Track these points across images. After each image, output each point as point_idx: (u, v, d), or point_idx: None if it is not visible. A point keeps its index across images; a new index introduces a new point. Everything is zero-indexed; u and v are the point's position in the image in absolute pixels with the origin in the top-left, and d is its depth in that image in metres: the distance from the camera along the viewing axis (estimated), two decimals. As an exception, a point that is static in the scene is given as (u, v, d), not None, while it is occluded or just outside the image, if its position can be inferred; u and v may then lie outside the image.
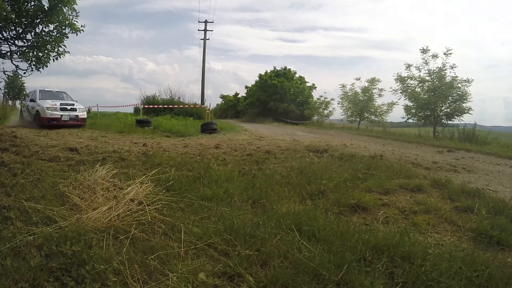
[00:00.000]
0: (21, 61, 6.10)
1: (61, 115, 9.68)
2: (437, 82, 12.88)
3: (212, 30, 28.68)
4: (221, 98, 37.41)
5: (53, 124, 9.41)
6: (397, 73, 14.38)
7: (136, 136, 8.26)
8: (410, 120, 14.29)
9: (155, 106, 17.42)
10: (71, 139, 6.42)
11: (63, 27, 5.97)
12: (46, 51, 5.98)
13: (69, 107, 10.12)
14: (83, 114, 10.43)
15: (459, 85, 12.41)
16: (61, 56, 6.23)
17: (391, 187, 3.22)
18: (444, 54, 12.73)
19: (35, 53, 5.97)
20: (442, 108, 12.99)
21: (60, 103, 10.03)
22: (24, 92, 8.13)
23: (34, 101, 10.10)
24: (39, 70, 6.17)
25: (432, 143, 9.36)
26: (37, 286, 1.52)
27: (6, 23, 5.35)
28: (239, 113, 30.73)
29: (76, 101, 11.01)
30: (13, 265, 1.62)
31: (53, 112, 9.60)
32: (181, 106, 17.64)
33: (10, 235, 1.92)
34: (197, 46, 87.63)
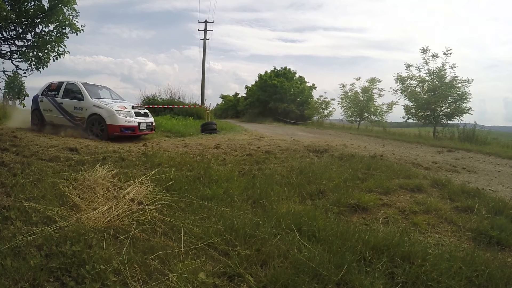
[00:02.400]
0: (21, 61, 6.11)
1: (139, 123, 7.30)
2: (437, 82, 12.88)
3: (212, 30, 28.72)
4: (221, 98, 37.47)
5: (127, 134, 7.05)
6: (397, 73, 14.38)
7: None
8: (410, 120, 14.29)
9: (155, 106, 17.43)
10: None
11: (63, 27, 5.97)
12: (46, 51, 5.98)
13: (142, 112, 7.81)
14: (153, 120, 8.16)
15: (459, 85, 12.40)
16: (61, 56, 6.24)
17: (391, 187, 3.22)
18: (444, 54, 12.74)
19: (35, 53, 5.98)
20: (442, 108, 12.98)
21: (132, 106, 7.66)
22: (24, 92, 7.25)
23: (81, 99, 7.32)
24: (39, 70, 6.18)
25: (432, 143, 9.35)
26: (37, 286, 1.52)
27: (6, 23, 5.35)
28: (239, 113, 30.76)
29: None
30: (13, 265, 1.62)
31: (128, 118, 7.11)
32: (181, 106, 17.62)
33: (10, 235, 1.92)
34: (197, 46, 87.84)
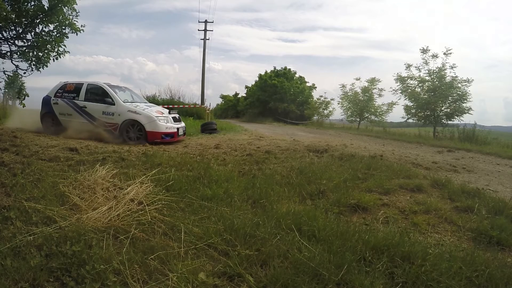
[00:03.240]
0: (21, 61, 6.11)
1: (178, 129, 7.06)
2: (437, 82, 12.88)
3: (212, 30, 28.73)
4: (221, 98, 37.48)
5: (166, 141, 6.70)
6: (397, 73, 14.40)
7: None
8: (410, 120, 14.30)
9: (155, 106, 17.37)
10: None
11: (63, 27, 5.98)
12: (46, 51, 5.99)
13: (177, 116, 7.47)
14: (184, 124, 7.86)
15: (459, 85, 12.41)
16: (61, 56, 6.25)
17: (391, 187, 3.22)
18: (444, 54, 12.75)
19: (35, 53, 5.99)
20: (442, 108, 12.99)
21: (168, 111, 7.36)
22: (24, 92, 6.85)
23: (111, 103, 6.76)
24: (39, 70, 6.19)
25: (432, 143, 9.35)
26: (37, 286, 1.52)
27: (6, 23, 5.36)
28: (239, 113, 30.77)
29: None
30: (13, 265, 1.62)
31: (168, 124, 6.82)
32: (181, 106, 17.62)
33: (10, 235, 1.92)
34: (197, 46, 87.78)
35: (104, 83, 7.21)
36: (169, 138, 6.78)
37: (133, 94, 8.00)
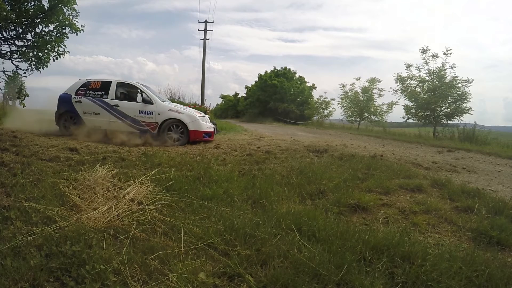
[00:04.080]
0: (21, 61, 6.11)
1: (214, 128, 7.28)
2: (437, 82, 12.90)
3: (212, 30, 28.72)
4: (221, 98, 37.49)
5: (206, 139, 6.80)
6: (397, 73, 14.43)
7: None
8: (410, 120, 14.33)
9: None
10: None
11: (63, 27, 5.98)
12: (46, 51, 5.99)
13: (207, 117, 7.52)
14: None
15: (459, 85, 12.44)
16: (61, 56, 6.25)
17: (391, 187, 3.22)
18: (444, 54, 12.77)
19: (35, 53, 5.98)
20: (442, 108, 13.01)
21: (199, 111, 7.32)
22: (24, 92, 6.63)
23: (148, 102, 6.67)
24: (39, 70, 6.18)
25: (432, 143, 9.35)
26: (37, 286, 1.52)
27: (6, 23, 5.36)
28: (239, 113, 30.78)
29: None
30: (13, 265, 1.62)
31: (208, 124, 6.99)
32: (181, 106, 17.58)
33: (10, 235, 1.92)
34: (197, 46, 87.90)
35: (138, 82, 7.12)
36: (208, 137, 6.85)
37: (157, 93, 7.88)
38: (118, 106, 6.71)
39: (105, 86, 6.89)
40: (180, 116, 6.62)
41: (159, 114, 6.61)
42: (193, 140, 6.59)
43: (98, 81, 7.01)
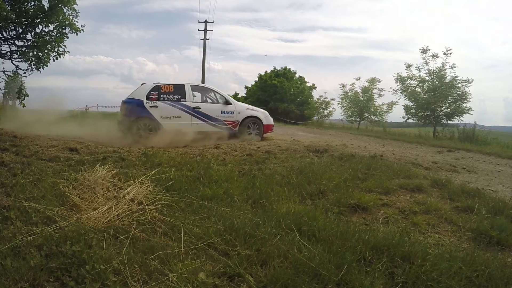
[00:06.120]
0: (21, 61, 6.10)
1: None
2: (437, 82, 12.88)
3: (212, 30, 28.65)
4: (221, 98, 37.39)
5: (272, 131, 8.00)
6: (397, 73, 14.39)
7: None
8: (410, 120, 14.32)
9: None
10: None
11: (63, 27, 5.97)
12: (46, 51, 5.98)
13: None
14: None
15: (459, 85, 12.42)
16: (61, 56, 6.24)
17: (391, 187, 3.22)
18: (444, 54, 12.74)
19: (35, 53, 5.98)
20: (442, 108, 13.00)
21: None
22: (24, 92, 6.36)
23: (227, 103, 7.31)
24: (39, 70, 6.18)
25: (432, 143, 9.35)
26: (37, 286, 1.52)
27: (6, 23, 5.35)
28: (239, 113, 30.69)
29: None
30: (13, 265, 1.62)
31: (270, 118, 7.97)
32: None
33: (10, 235, 1.92)
34: (197, 46, 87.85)
35: (206, 84, 7.98)
36: (271, 132, 7.98)
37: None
38: (200, 108, 7.08)
39: (179, 89, 7.06)
40: (256, 113, 7.61)
41: (239, 113, 7.34)
42: (266, 133, 7.65)
43: (169, 85, 7.10)
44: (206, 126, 7.08)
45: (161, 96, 6.95)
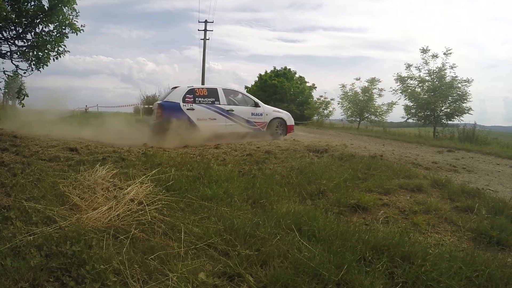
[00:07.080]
0: (21, 61, 6.08)
1: None
2: (437, 82, 12.89)
3: (212, 30, 28.60)
4: (221, 98, 37.40)
5: (293, 131, 8.73)
6: (397, 73, 14.40)
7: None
8: (410, 120, 14.33)
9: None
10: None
11: (63, 27, 5.96)
12: (46, 51, 5.97)
13: None
14: None
15: (459, 85, 12.42)
16: (61, 56, 6.22)
17: (391, 187, 3.22)
18: (444, 54, 12.75)
19: (35, 53, 5.97)
20: (442, 108, 13.00)
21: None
22: (24, 92, 6.19)
23: (256, 105, 7.77)
24: (39, 70, 6.16)
25: (432, 143, 9.35)
26: (37, 286, 1.52)
27: (6, 23, 5.35)
28: (239, 113, 30.69)
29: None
30: (13, 265, 1.62)
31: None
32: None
33: (10, 235, 1.92)
34: (197, 46, 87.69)
35: (236, 88, 8.48)
36: (293, 129, 8.69)
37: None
38: (233, 110, 7.44)
39: (212, 92, 7.41)
40: (281, 115, 8.23)
41: (266, 114, 7.87)
42: (289, 133, 8.31)
43: (203, 89, 7.49)
44: (239, 127, 7.46)
45: (196, 99, 7.20)
